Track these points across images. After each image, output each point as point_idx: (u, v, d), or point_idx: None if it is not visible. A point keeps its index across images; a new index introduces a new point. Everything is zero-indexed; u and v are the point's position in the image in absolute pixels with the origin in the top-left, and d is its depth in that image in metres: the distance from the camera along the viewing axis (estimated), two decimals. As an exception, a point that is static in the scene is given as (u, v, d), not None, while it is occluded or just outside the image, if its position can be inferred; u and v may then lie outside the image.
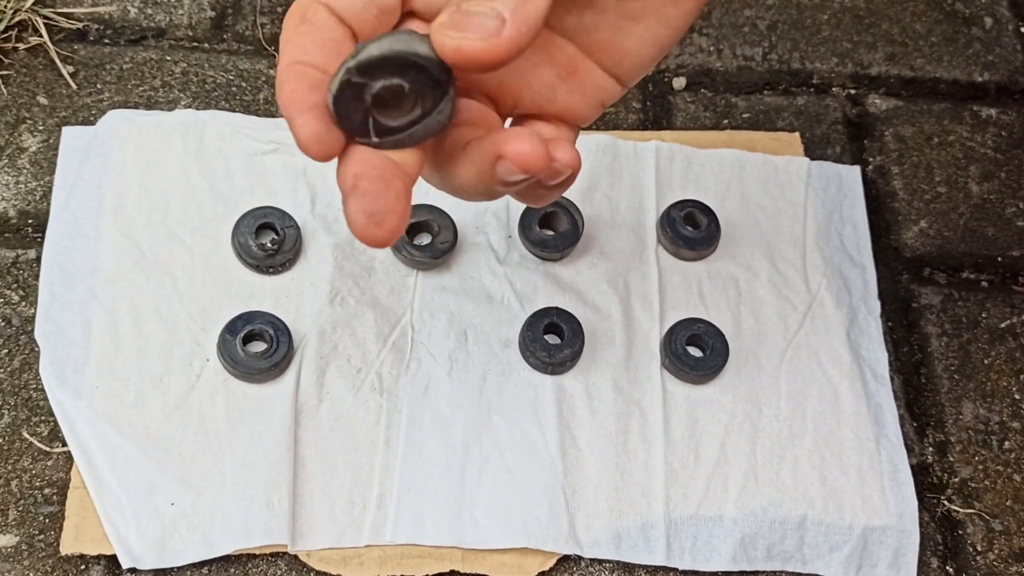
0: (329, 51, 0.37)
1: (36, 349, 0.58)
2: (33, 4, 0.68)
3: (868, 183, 0.70)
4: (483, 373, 0.60)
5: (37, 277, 0.60)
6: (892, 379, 0.63)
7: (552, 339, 0.61)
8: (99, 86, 0.68)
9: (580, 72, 0.42)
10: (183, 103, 0.67)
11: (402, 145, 0.37)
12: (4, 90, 0.67)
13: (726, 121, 0.72)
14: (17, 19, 0.68)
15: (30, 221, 0.63)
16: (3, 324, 0.59)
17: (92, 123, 0.65)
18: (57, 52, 0.68)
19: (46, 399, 0.57)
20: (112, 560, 0.54)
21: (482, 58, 0.35)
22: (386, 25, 0.39)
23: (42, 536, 0.54)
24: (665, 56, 0.73)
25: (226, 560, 0.54)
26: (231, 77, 0.69)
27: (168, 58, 0.69)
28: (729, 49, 0.75)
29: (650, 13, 0.41)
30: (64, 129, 0.65)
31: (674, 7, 0.41)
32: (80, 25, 0.70)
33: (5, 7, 0.67)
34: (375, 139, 0.37)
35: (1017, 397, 0.63)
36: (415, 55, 0.35)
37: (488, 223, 0.65)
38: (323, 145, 0.36)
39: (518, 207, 0.65)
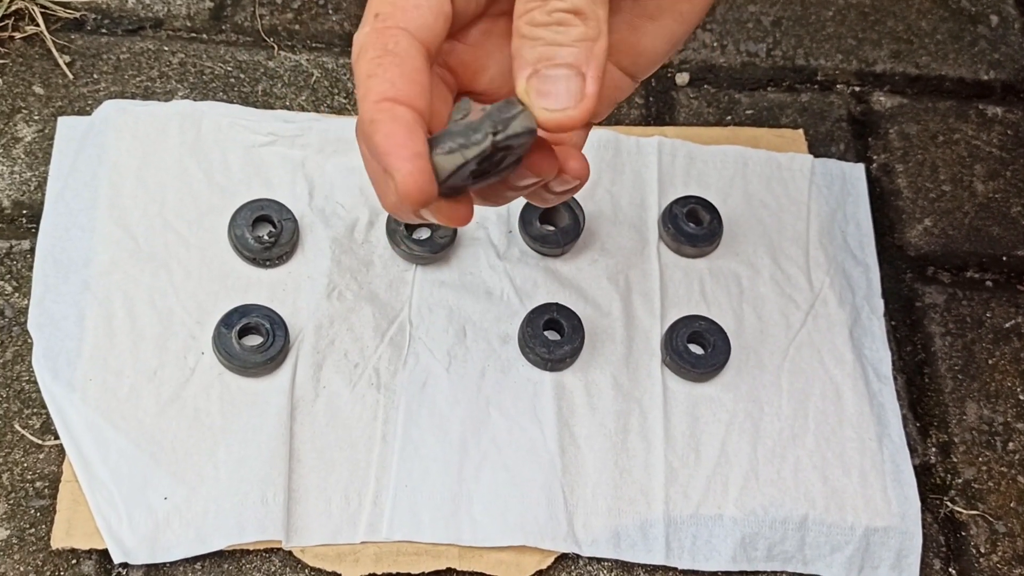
0: (417, 84, 0.36)
1: (29, 341, 0.58)
2: (30, -7, 0.67)
3: (872, 181, 0.69)
4: (482, 369, 0.60)
5: (31, 268, 0.60)
6: (895, 379, 0.62)
7: (552, 335, 0.60)
8: (96, 76, 0.67)
9: None
10: (180, 94, 0.67)
11: (480, 187, 0.40)
12: (0, 79, 0.66)
13: (729, 117, 0.71)
14: (14, 7, 0.67)
15: (24, 211, 0.62)
16: (-4, 315, 0.59)
17: (88, 113, 0.65)
18: (54, 41, 0.67)
19: (39, 391, 0.56)
20: (104, 554, 0.53)
21: (578, 124, 0.37)
22: (444, 35, 0.39)
23: (33, 530, 0.54)
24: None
25: (219, 556, 0.54)
26: (229, 68, 0.68)
27: (166, 48, 0.69)
28: (733, 45, 0.74)
29: (666, 10, 0.42)
30: (60, 119, 0.64)
31: (688, 3, 0.42)
32: (77, 14, 0.69)
33: (1, -5, 0.67)
34: (468, 186, 0.39)
35: (1021, 398, 0.63)
36: (531, 131, 0.37)
37: (488, 218, 0.64)
38: (426, 198, 0.36)
39: (519, 202, 0.64)
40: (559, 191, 0.42)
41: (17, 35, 0.67)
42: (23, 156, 0.64)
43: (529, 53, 0.37)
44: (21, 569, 0.53)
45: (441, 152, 0.36)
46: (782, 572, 0.56)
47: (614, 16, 0.42)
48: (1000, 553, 0.58)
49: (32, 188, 0.63)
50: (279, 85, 0.68)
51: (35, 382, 0.57)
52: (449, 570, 0.55)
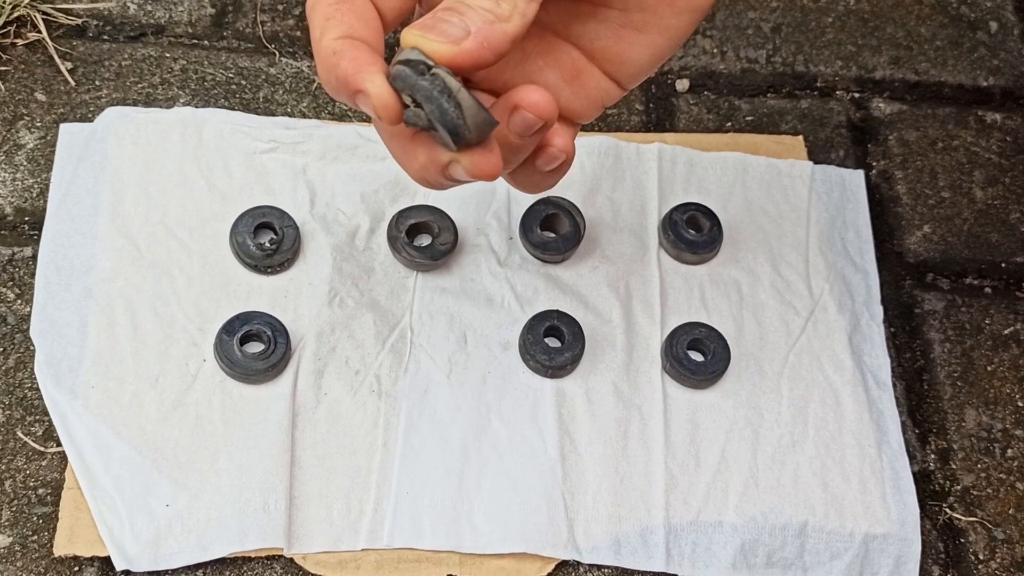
0: (373, 30, 0.38)
1: (31, 348, 0.58)
2: (32, -1, 0.68)
3: (872, 187, 0.70)
4: (482, 376, 0.60)
5: (33, 275, 0.60)
6: (894, 385, 0.63)
7: (552, 342, 0.60)
8: (97, 83, 0.67)
9: (583, 76, 0.44)
10: (182, 101, 0.67)
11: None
12: (2, 86, 0.66)
13: (729, 124, 0.71)
14: (16, 14, 0.67)
15: (26, 218, 0.62)
16: (-2, 322, 0.59)
17: (90, 120, 0.65)
18: (56, 48, 0.67)
19: (41, 398, 0.56)
20: (106, 562, 0.53)
21: (451, 62, 0.36)
22: (408, 9, 0.40)
23: (35, 537, 0.54)
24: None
25: (221, 563, 0.54)
26: (231, 75, 0.69)
27: (167, 55, 0.69)
28: (733, 51, 0.74)
29: (652, 24, 0.43)
30: (62, 126, 0.64)
31: (675, 19, 0.43)
32: (79, 21, 0.69)
33: (3, 2, 0.67)
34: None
35: (1020, 404, 0.63)
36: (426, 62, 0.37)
37: (489, 224, 0.64)
38: (394, 109, 0.37)
39: (519, 209, 0.64)
40: (546, 170, 0.42)
41: (19, 42, 0.67)
42: (25, 163, 0.64)
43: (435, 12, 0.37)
44: (24, 576, 0.53)
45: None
46: (782, 579, 0.57)
47: (600, 24, 0.43)
48: (999, 560, 0.58)
49: (34, 195, 0.63)
50: (280, 92, 0.68)
51: (37, 389, 0.57)
52: (450, 577, 0.55)
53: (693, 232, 0.64)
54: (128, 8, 0.71)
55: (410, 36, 0.37)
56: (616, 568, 0.56)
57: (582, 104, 0.45)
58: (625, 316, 0.62)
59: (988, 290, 0.67)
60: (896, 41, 0.76)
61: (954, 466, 0.61)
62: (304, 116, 0.68)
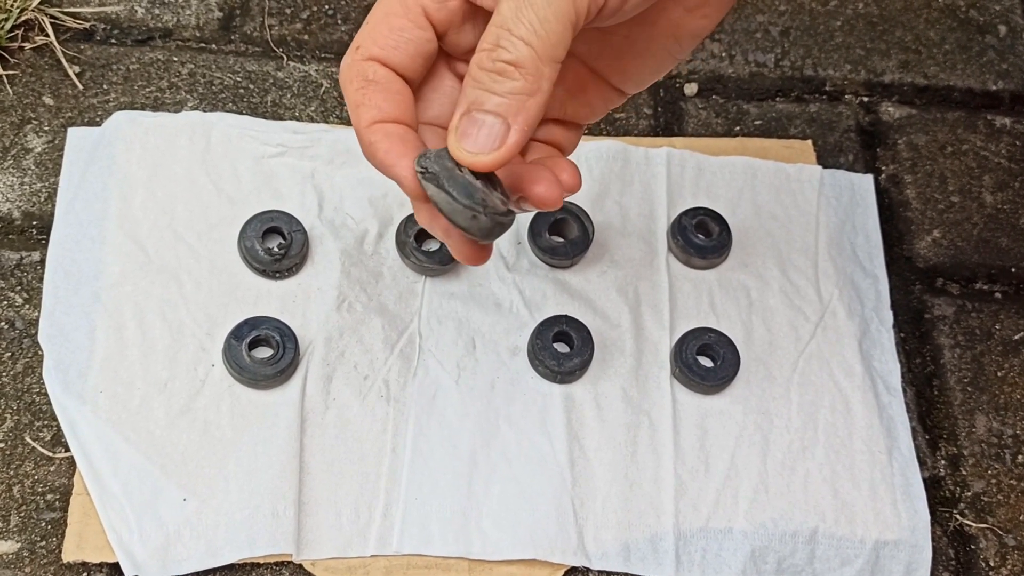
0: (400, 104, 0.41)
1: (40, 353, 0.58)
2: (40, 3, 0.67)
3: (881, 192, 0.69)
4: (491, 381, 0.60)
5: (41, 280, 0.60)
6: (904, 391, 0.62)
7: (561, 347, 0.60)
8: (105, 87, 0.67)
9: (588, 89, 0.46)
10: (190, 104, 0.67)
11: None
12: (10, 90, 0.66)
13: (738, 128, 0.71)
14: (23, 18, 0.67)
15: (34, 223, 0.62)
16: (6, 327, 0.59)
17: (98, 124, 0.65)
18: (63, 52, 0.67)
19: (49, 403, 0.56)
20: (115, 568, 0.53)
21: (491, 168, 0.40)
22: (428, 68, 0.43)
23: (44, 543, 0.54)
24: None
25: (230, 569, 0.54)
26: (238, 79, 0.69)
27: (175, 59, 0.69)
28: (741, 55, 0.74)
29: (655, 46, 0.45)
30: (69, 130, 0.64)
31: (677, 44, 0.45)
32: (87, 25, 0.69)
33: (12, 6, 0.67)
34: None
35: (1031, 410, 0.63)
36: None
37: (497, 229, 0.64)
38: (420, 195, 0.41)
39: (528, 213, 0.64)
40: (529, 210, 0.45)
41: (27, 46, 0.67)
42: (33, 167, 0.64)
43: (469, 93, 0.40)
44: (32, 582, 0.53)
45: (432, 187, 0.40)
46: (792, 586, 0.56)
47: (605, 45, 0.45)
48: (1010, 567, 0.58)
49: (42, 199, 0.63)
50: (288, 96, 0.68)
51: (46, 394, 0.57)
52: (459, 583, 0.55)
53: (702, 237, 0.64)
54: (136, 12, 0.71)
55: (459, 152, 0.40)
56: (626, 575, 0.56)
57: (586, 112, 0.47)
58: (634, 321, 0.62)
59: (998, 295, 0.67)
60: (905, 45, 0.76)
61: (964, 472, 0.61)
62: (312, 120, 0.67)
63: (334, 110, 0.68)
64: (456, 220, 0.40)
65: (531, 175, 0.42)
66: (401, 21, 0.41)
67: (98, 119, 0.65)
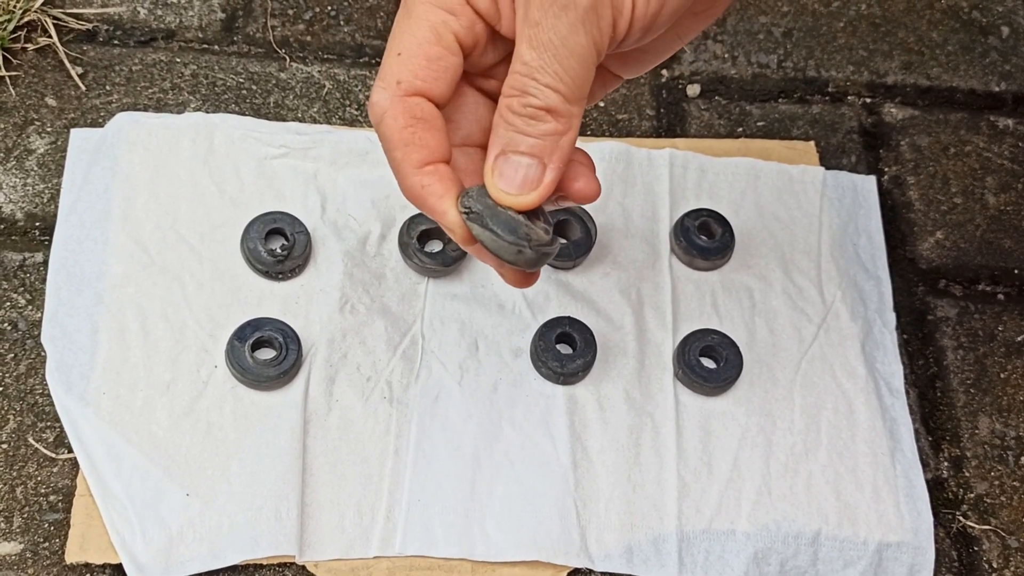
0: (444, 141, 0.42)
1: (42, 354, 0.58)
2: (42, 4, 0.67)
3: (884, 193, 0.69)
4: (494, 383, 0.60)
5: (44, 281, 0.60)
6: (907, 393, 0.62)
7: (564, 349, 0.60)
8: (108, 88, 0.67)
9: None
10: (193, 106, 0.67)
11: None
12: (12, 91, 0.66)
13: (740, 129, 0.71)
14: (26, 19, 0.67)
15: (37, 224, 0.62)
16: (9, 328, 0.59)
17: (101, 125, 0.65)
18: (66, 53, 0.67)
19: (52, 405, 0.56)
20: (118, 569, 0.53)
21: (529, 207, 0.41)
22: (454, 86, 0.43)
23: (47, 544, 0.54)
24: (679, 62, 0.73)
25: (233, 570, 0.54)
26: (241, 80, 0.69)
27: (178, 60, 0.69)
28: (744, 56, 0.74)
29: (659, 44, 0.45)
30: (72, 131, 0.64)
31: (679, 40, 0.45)
32: (90, 26, 0.69)
33: (14, 7, 0.67)
34: None
35: (1034, 412, 0.63)
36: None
37: (500, 230, 0.64)
38: (466, 236, 0.42)
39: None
40: (564, 206, 0.45)
41: (30, 47, 0.67)
42: (36, 168, 0.64)
43: (503, 134, 0.40)
44: (35, 583, 0.53)
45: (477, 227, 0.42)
46: (795, 587, 0.56)
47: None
48: (1013, 568, 0.58)
49: (45, 200, 0.63)
50: (291, 97, 0.68)
51: (48, 395, 0.57)
52: (462, 585, 0.55)
53: (705, 238, 0.64)
54: (138, 13, 0.71)
55: (500, 195, 0.41)
56: (628, 576, 0.56)
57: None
58: (637, 323, 0.62)
59: (1001, 296, 0.67)
60: (908, 46, 0.76)
61: (967, 474, 0.61)
62: (315, 121, 0.67)
63: (337, 111, 0.68)
64: (502, 256, 0.41)
65: (569, 172, 0.42)
66: (436, 49, 0.41)
67: (101, 120, 0.65)
